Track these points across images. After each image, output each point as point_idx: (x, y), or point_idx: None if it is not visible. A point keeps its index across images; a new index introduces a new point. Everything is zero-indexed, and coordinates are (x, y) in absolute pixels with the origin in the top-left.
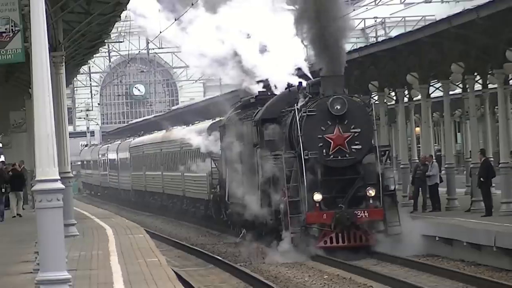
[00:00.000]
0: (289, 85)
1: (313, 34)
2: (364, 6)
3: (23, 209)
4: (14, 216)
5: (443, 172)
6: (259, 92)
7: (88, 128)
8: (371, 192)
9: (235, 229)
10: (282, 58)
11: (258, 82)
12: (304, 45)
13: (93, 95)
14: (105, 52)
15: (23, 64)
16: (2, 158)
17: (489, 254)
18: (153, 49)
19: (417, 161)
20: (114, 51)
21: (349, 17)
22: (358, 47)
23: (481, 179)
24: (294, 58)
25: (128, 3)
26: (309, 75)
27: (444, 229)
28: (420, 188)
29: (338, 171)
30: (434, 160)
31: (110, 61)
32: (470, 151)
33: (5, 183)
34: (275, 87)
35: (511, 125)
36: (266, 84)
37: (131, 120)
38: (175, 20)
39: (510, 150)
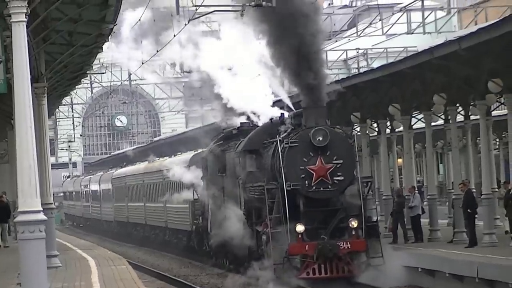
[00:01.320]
0: (271, 117)
1: (293, 67)
2: (346, 37)
3: (6, 241)
4: (6, 246)
5: (425, 203)
6: (241, 123)
7: (70, 159)
8: (354, 223)
9: (218, 260)
10: (264, 90)
11: (239, 115)
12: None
13: (75, 126)
14: (87, 83)
15: (5, 95)
16: None
17: (471, 285)
18: (135, 80)
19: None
20: (96, 82)
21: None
22: (340, 78)
23: (468, 210)
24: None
25: (110, 34)
26: (291, 106)
27: (427, 260)
28: (397, 220)
29: (321, 202)
30: (416, 192)
31: (92, 92)
32: (453, 182)
33: None
34: (258, 118)
35: (493, 156)
36: (247, 116)
37: (113, 151)
38: (157, 51)
39: (491, 181)
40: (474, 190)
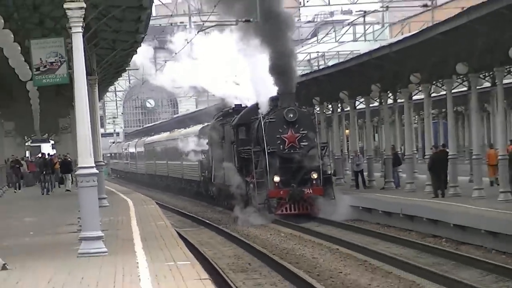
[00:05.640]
0: (256, 103)
1: (273, 65)
2: (309, 44)
3: (70, 188)
4: (68, 190)
5: (365, 161)
6: (235, 105)
7: (114, 130)
8: (314, 175)
9: (218, 202)
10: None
11: (235, 107)
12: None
13: (117, 106)
14: (126, 76)
15: (68, 84)
16: (54, 151)
17: (397, 219)
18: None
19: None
20: (132, 75)
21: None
22: (305, 73)
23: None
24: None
25: (141, 41)
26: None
27: (366, 201)
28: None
29: (291, 160)
30: (359, 154)
31: (129, 83)
32: (384, 148)
33: (50, 170)
34: (248, 101)
35: (413, 129)
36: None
37: (145, 125)
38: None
39: (412, 147)
40: (400, 152)
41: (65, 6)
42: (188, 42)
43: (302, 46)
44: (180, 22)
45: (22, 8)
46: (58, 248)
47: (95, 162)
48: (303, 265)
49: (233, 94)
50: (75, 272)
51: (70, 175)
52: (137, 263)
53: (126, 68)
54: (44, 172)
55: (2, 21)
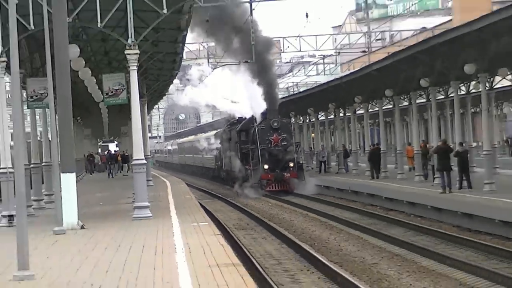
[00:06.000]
0: (252, 116)
1: (263, 90)
2: (287, 76)
3: (127, 173)
4: (126, 175)
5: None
6: (238, 117)
7: (158, 134)
8: (291, 164)
9: (227, 182)
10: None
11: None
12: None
13: (160, 118)
14: (166, 98)
15: (127, 104)
16: (117, 149)
17: (346, 193)
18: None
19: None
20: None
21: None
22: (283, 97)
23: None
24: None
25: (175, 77)
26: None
27: (326, 181)
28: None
29: (276, 154)
30: (324, 149)
31: (168, 102)
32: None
33: (114, 161)
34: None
35: (357, 133)
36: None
37: (178, 131)
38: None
39: (356, 144)
40: (348, 148)
41: (125, 52)
42: (206, 77)
43: (282, 78)
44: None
45: (97, 53)
46: (119, 214)
47: (144, 156)
48: (284, 225)
49: (234, 110)
50: (131, 230)
51: (127, 165)
52: (172, 224)
53: (166, 93)
54: (110, 163)
55: (83, 62)
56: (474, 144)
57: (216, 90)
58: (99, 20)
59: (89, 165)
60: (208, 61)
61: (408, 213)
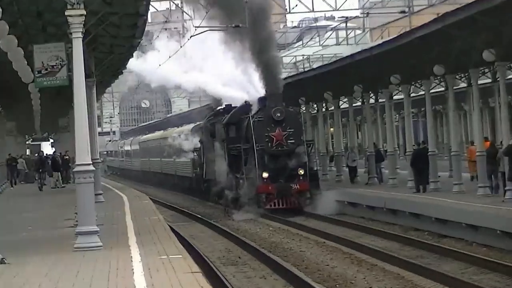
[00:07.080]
0: (246, 101)
1: (261, 67)
2: (295, 47)
3: (68, 183)
4: (63, 187)
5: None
6: (225, 104)
7: (111, 129)
8: (301, 172)
9: (210, 197)
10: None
11: (226, 106)
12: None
13: (114, 107)
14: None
15: (68, 86)
16: (54, 149)
17: (380, 213)
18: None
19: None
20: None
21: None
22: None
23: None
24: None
25: (137, 46)
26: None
27: (351, 196)
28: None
29: (279, 157)
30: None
31: (126, 84)
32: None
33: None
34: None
35: (394, 126)
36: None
37: (139, 124)
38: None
39: (393, 144)
40: (381, 149)
41: (66, 13)
42: (181, 47)
43: (288, 50)
44: (174, 28)
45: (26, 15)
46: (55, 242)
47: (92, 159)
48: (291, 258)
49: (219, 93)
50: (71, 266)
51: (66, 172)
52: (131, 257)
53: (123, 71)
54: (41, 170)
55: (7, 27)
56: None
57: (194, 66)
58: None
59: (10, 172)
60: (183, 26)
61: (470, 241)
